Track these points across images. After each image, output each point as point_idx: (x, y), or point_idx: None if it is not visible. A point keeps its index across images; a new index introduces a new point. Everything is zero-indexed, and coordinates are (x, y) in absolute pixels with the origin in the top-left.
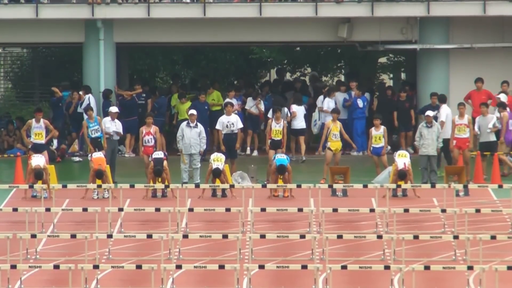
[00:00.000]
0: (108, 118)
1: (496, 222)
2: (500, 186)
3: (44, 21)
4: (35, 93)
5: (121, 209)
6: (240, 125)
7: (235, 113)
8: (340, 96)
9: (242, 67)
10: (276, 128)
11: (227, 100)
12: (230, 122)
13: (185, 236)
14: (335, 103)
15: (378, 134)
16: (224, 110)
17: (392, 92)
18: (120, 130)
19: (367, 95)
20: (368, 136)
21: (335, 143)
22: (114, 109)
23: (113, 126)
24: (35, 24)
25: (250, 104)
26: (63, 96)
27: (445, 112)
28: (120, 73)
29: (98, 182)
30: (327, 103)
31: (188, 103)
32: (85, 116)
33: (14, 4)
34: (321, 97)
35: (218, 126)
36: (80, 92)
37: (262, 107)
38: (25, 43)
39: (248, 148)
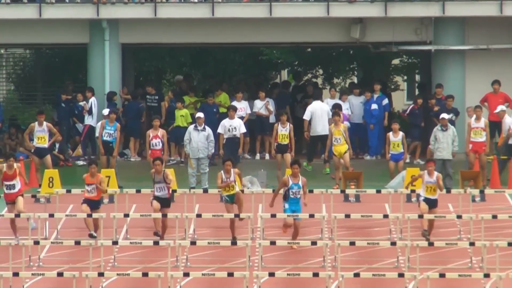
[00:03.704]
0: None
1: None
2: None
3: (47, 21)
4: (38, 95)
5: (126, 215)
6: (243, 129)
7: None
8: (355, 99)
9: (251, 69)
10: (282, 132)
11: (231, 104)
12: (233, 126)
13: (193, 243)
14: (349, 106)
15: (397, 141)
16: (228, 113)
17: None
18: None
19: (385, 101)
20: (385, 141)
21: (337, 148)
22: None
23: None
24: (38, 24)
25: (258, 106)
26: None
27: (310, 110)
28: (125, 74)
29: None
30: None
31: (184, 110)
32: (87, 117)
33: (16, 3)
34: (327, 99)
35: (220, 130)
36: (88, 94)
37: (271, 107)
38: (28, 44)
39: (258, 154)
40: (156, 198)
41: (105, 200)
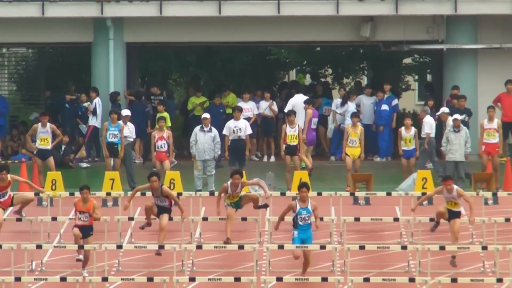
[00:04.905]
0: (119, 122)
1: None
2: None
3: (50, 19)
4: (41, 95)
5: (131, 218)
6: (249, 131)
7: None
8: (366, 99)
9: (259, 69)
10: (291, 133)
11: (237, 104)
12: (238, 127)
13: (199, 247)
14: (358, 106)
15: (409, 136)
16: (233, 114)
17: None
18: (133, 134)
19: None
20: (398, 136)
21: (351, 149)
22: (125, 112)
23: (126, 130)
24: (41, 23)
25: (263, 107)
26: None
27: (291, 103)
28: (130, 74)
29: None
30: (346, 107)
31: (166, 114)
32: (91, 118)
33: (19, 2)
34: (336, 99)
35: (225, 132)
36: (92, 94)
37: (275, 108)
38: (31, 43)
39: (265, 156)
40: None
41: (109, 203)
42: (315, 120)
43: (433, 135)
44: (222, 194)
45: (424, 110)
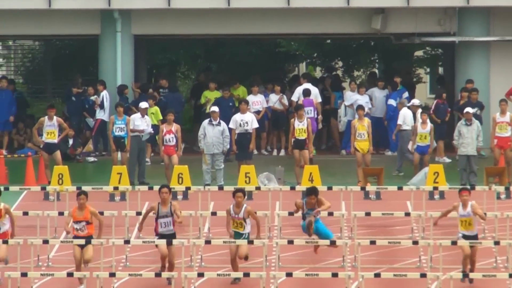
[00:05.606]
0: (137, 115)
1: None
2: None
3: (57, 11)
4: (47, 88)
5: (139, 213)
6: (255, 124)
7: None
8: (378, 92)
9: (268, 61)
10: (300, 126)
11: (246, 98)
12: (244, 120)
13: (208, 242)
14: (370, 99)
15: (424, 133)
16: (239, 107)
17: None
18: (150, 127)
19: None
20: (412, 132)
21: (360, 143)
22: (144, 104)
23: (143, 123)
24: (48, 15)
25: (273, 100)
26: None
27: (298, 92)
28: (138, 67)
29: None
30: (351, 99)
31: (155, 108)
32: (98, 111)
33: None
34: (348, 92)
35: (231, 125)
36: (99, 87)
37: (285, 101)
38: (37, 35)
39: (275, 150)
40: (161, 235)
41: (117, 198)
42: (307, 109)
43: (407, 127)
44: (228, 218)
45: (401, 102)
